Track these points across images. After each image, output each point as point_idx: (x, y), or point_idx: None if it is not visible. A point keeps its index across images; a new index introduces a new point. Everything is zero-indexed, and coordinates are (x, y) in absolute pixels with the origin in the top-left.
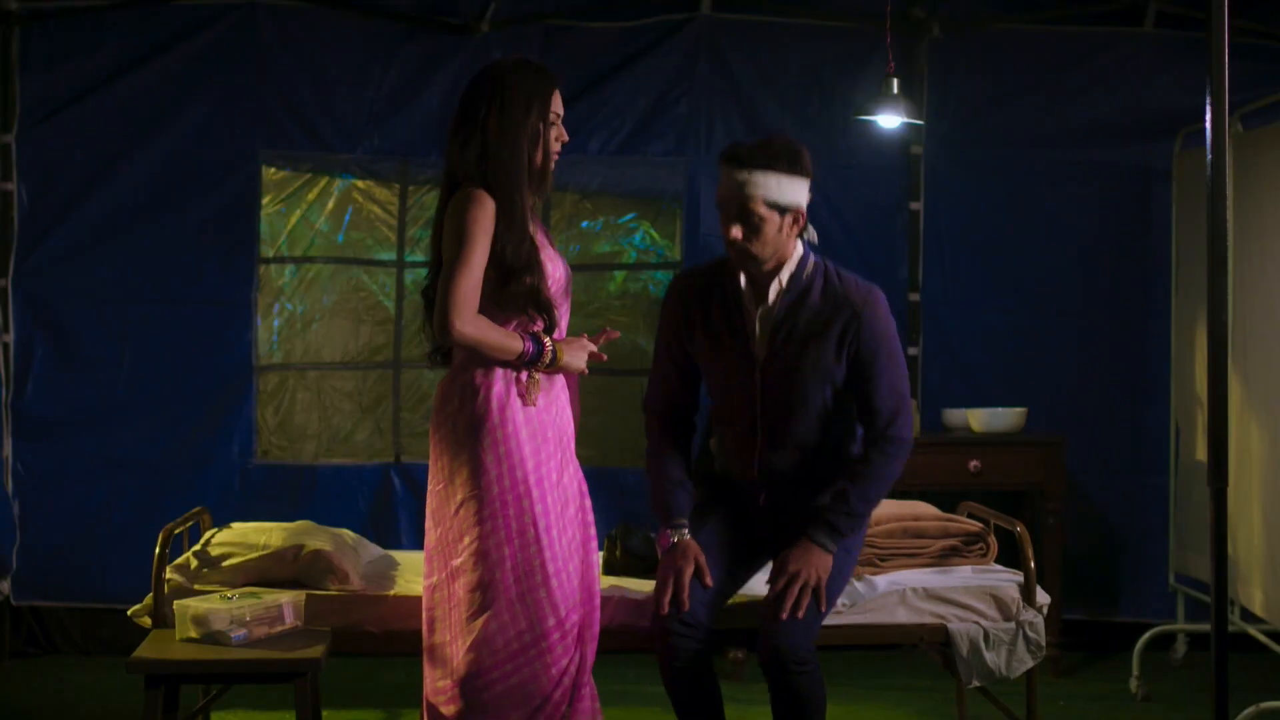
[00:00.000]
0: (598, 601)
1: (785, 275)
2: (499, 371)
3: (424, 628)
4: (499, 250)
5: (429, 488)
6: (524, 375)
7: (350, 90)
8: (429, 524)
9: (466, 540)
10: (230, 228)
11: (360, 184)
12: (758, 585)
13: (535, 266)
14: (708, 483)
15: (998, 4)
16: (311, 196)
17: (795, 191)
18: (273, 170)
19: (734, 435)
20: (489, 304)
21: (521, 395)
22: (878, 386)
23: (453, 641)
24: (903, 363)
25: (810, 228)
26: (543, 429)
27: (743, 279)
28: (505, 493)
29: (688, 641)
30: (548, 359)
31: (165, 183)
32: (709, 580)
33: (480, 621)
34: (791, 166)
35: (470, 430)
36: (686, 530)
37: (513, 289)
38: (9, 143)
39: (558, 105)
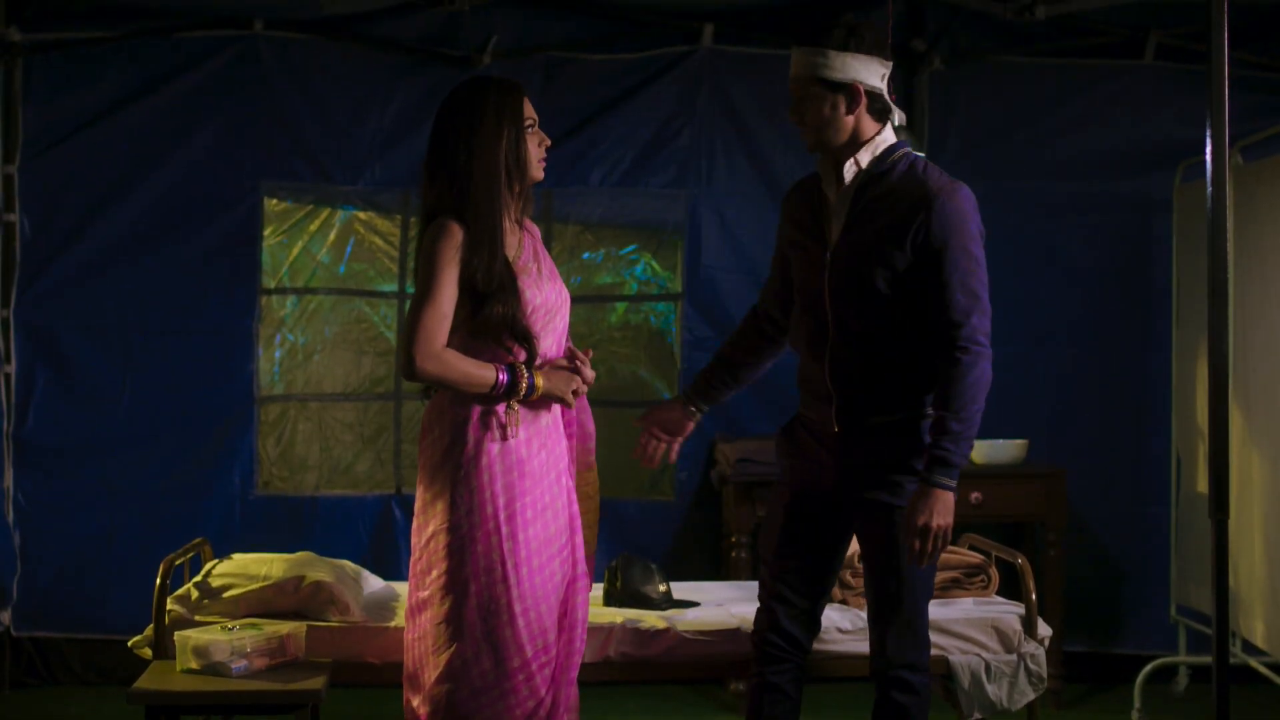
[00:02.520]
0: (579, 644)
1: (865, 158)
2: (476, 404)
3: (405, 653)
4: (469, 276)
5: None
6: (502, 408)
7: (352, 122)
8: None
9: (435, 573)
10: (232, 259)
11: (362, 215)
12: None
13: (508, 294)
14: (782, 453)
15: (998, 37)
16: (313, 228)
17: (847, 69)
18: (274, 201)
19: (806, 335)
20: (464, 334)
21: (501, 428)
22: (948, 281)
23: (422, 671)
24: (980, 262)
25: (897, 110)
26: (521, 463)
27: (821, 165)
28: (475, 529)
29: (783, 665)
30: (523, 390)
31: (167, 213)
32: (671, 456)
33: (446, 656)
34: (844, 43)
35: (444, 463)
36: (682, 400)
37: (485, 316)
38: (12, 173)
39: (530, 111)
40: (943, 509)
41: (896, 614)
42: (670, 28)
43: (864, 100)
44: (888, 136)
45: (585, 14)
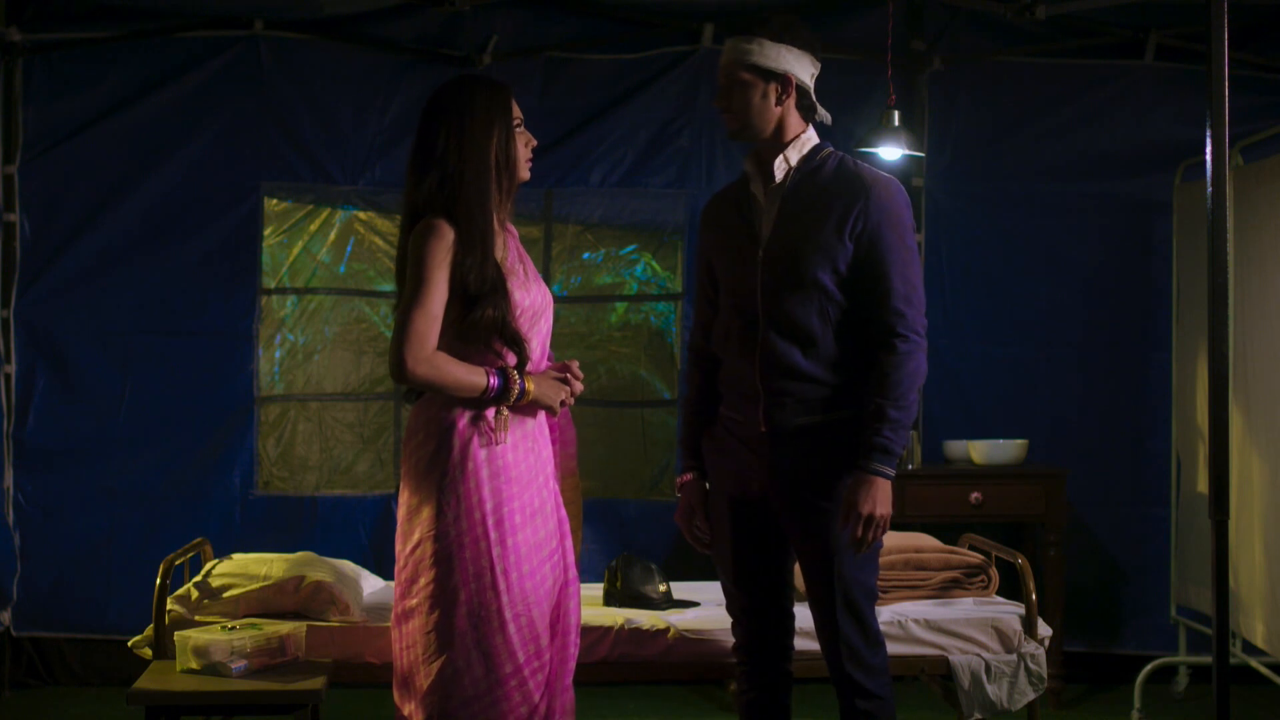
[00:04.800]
0: (573, 649)
1: (794, 155)
2: (464, 408)
3: (394, 660)
4: (459, 278)
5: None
6: (491, 412)
7: (352, 122)
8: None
9: (422, 581)
10: (232, 259)
11: (362, 215)
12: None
13: (498, 296)
14: (708, 458)
15: (998, 37)
16: (313, 228)
17: (781, 59)
18: (275, 201)
19: (736, 333)
20: (453, 337)
21: (489, 433)
22: (887, 270)
23: (413, 679)
24: (915, 255)
25: (821, 109)
26: (508, 469)
27: (748, 165)
28: (462, 535)
29: (768, 676)
30: (514, 394)
31: (167, 214)
32: (702, 528)
33: (437, 665)
34: (779, 34)
35: (431, 468)
36: (695, 476)
37: (474, 318)
38: (12, 173)
39: (517, 111)
40: (884, 497)
41: (843, 620)
42: (670, 28)
43: (794, 94)
44: (813, 136)
45: (585, 14)
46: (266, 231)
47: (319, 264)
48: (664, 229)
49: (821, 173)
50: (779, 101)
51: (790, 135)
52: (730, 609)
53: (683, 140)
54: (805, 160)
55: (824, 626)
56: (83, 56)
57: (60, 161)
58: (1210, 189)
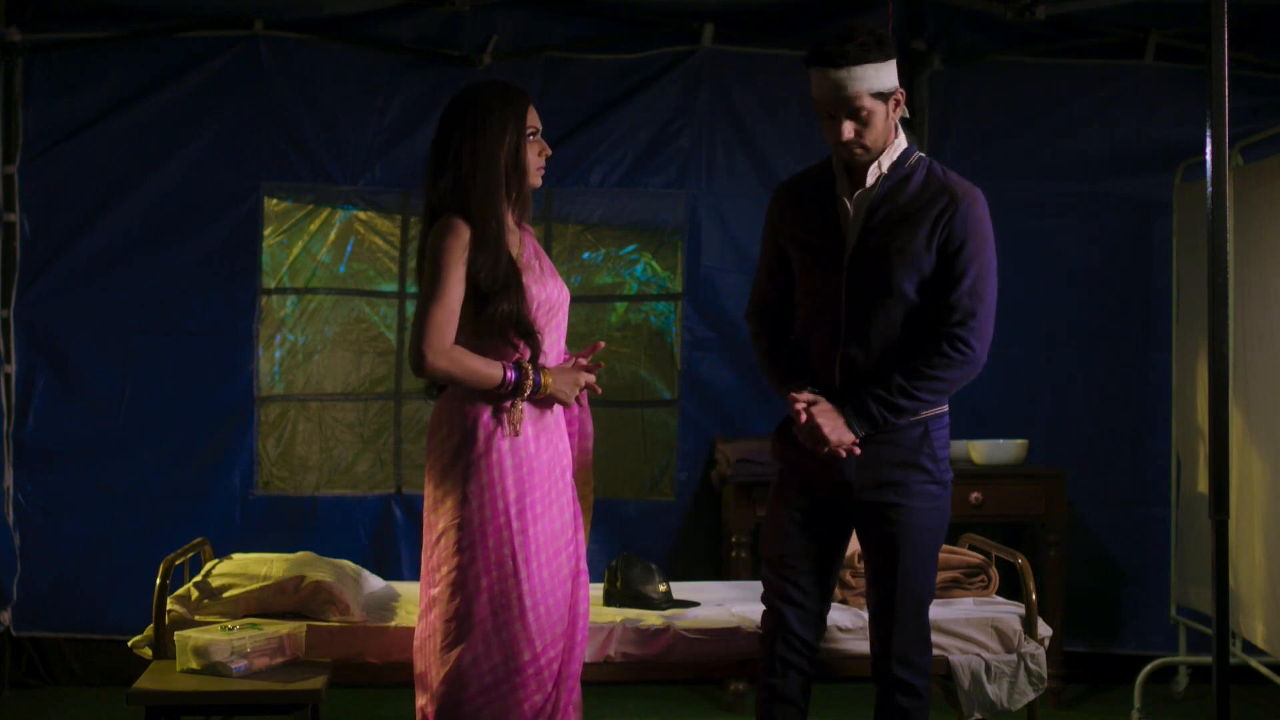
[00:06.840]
0: (582, 640)
1: (886, 162)
2: (486, 402)
3: (415, 653)
4: (474, 274)
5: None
6: (507, 405)
7: (352, 122)
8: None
9: (444, 570)
10: (232, 259)
11: (362, 215)
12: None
13: (513, 291)
14: (783, 455)
15: (999, 37)
16: (313, 228)
17: (891, 75)
18: (275, 201)
19: (819, 337)
20: (469, 332)
21: (510, 425)
22: (960, 279)
23: (429, 670)
24: (993, 269)
25: (903, 106)
26: (530, 459)
27: (837, 166)
28: (486, 524)
29: (792, 673)
30: (529, 388)
31: (167, 214)
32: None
33: (455, 653)
34: (884, 53)
35: (455, 460)
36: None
37: (489, 313)
38: (12, 173)
39: (534, 120)
40: (840, 432)
41: (898, 615)
42: (670, 28)
43: (902, 100)
44: (903, 139)
45: (585, 14)
46: (266, 231)
47: (319, 264)
48: (664, 229)
49: (911, 181)
50: (890, 115)
51: (890, 143)
52: (765, 597)
53: (683, 140)
54: (895, 166)
55: (880, 620)
56: (83, 56)
57: (60, 161)
58: (1210, 189)
